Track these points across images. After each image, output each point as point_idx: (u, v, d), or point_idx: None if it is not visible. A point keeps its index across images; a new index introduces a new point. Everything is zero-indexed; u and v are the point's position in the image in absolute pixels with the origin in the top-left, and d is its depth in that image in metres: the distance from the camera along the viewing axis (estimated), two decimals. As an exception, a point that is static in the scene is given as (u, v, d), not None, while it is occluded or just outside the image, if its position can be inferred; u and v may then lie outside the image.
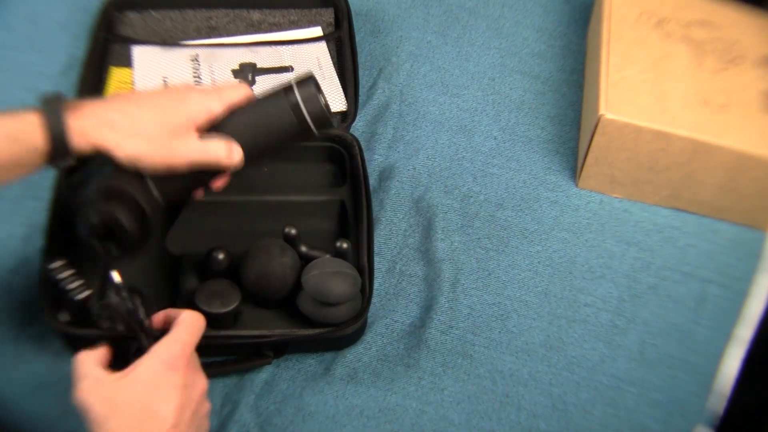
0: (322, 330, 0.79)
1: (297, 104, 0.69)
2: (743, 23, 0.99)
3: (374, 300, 0.83)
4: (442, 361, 0.82)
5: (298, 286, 0.79)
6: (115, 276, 0.67)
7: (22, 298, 0.83)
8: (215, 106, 0.68)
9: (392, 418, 0.79)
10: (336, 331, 0.78)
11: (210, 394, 0.78)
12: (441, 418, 0.79)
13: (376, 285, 0.85)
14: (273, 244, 0.79)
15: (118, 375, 0.61)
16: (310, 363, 0.82)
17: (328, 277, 0.77)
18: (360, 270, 0.81)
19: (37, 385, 0.78)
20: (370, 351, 0.83)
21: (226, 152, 0.68)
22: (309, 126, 0.70)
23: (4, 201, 0.90)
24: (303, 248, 0.81)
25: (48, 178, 0.90)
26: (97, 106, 0.65)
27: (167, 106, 0.67)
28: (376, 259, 0.85)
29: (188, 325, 0.66)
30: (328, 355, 0.82)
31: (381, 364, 0.82)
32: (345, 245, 0.80)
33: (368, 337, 0.83)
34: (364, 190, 0.87)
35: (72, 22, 1.05)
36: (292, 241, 0.81)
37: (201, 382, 0.65)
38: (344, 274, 0.78)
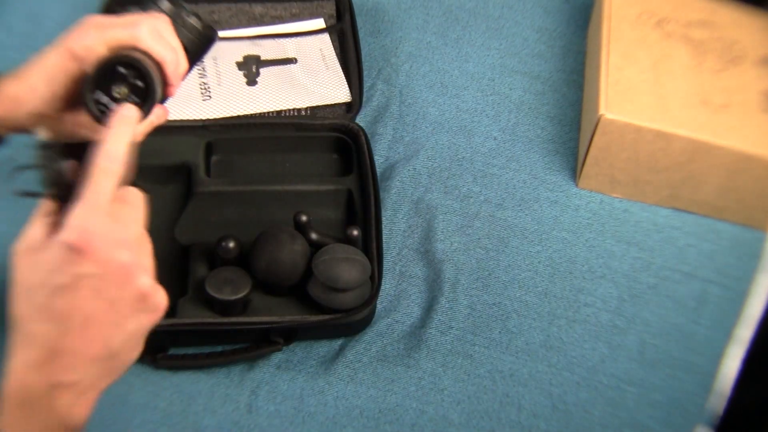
0: (331, 316, 0.80)
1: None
2: (743, 23, 0.99)
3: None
4: (442, 361, 0.82)
5: (308, 273, 0.80)
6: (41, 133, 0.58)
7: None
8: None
9: (392, 418, 0.79)
10: (345, 317, 0.80)
11: (210, 394, 0.79)
12: (441, 418, 0.79)
13: (376, 285, 0.85)
14: (283, 232, 0.80)
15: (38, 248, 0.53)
16: (311, 364, 0.82)
17: (338, 262, 0.78)
18: (369, 257, 0.82)
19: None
20: (370, 351, 0.83)
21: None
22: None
23: (5, 200, 0.90)
24: (313, 235, 0.82)
25: (48, 178, 0.91)
26: None
27: None
28: (376, 259, 0.86)
29: (101, 176, 0.54)
30: (329, 355, 0.82)
31: (381, 364, 0.82)
32: (356, 232, 0.81)
33: (368, 336, 0.83)
34: (371, 178, 0.88)
35: (72, 21, 1.05)
36: (302, 228, 0.82)
37: (118, 259, 0.52)
38: (354, 260, 0.79)
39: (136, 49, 0.60)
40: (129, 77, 0.58)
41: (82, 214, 0.52)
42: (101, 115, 0.58)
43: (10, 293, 0.54)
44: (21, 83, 0.62)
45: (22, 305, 0.53)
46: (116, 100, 0.58)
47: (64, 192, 0.56)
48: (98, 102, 0.58)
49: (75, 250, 0.52)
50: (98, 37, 0.60)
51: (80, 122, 0.63)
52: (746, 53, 0.96)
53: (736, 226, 0.94)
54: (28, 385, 0.53)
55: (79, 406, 0.55)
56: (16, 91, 0.61)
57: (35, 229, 0.54)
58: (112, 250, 0.52)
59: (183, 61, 0.65)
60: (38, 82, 0.61)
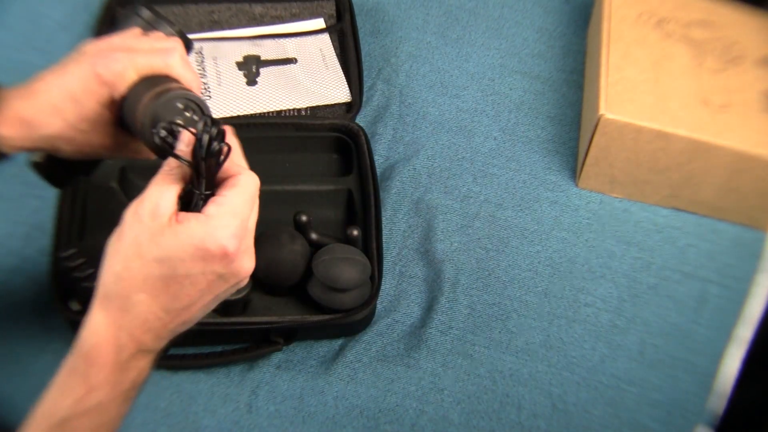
0: (331, 316, 0.80)
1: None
2: (743, 23, 0.99)
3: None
4: (442, 361, 0.82)
5: (308, 273, 0.80)
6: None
7: (23, 298, 0.83)
8: None
9: (392, 418, 0.79)
10: (345, 317, 0.80)
11: (210, 394, 0.79)
12: (441, 418, 0.79)
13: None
14: (283, 232, 0.80)
15: (167, 224, 0.53)
16: (311, 364, 0.82)
17: (338, 262, 0.78)
18: (369, 257, 0.82)
19: (38, 385, 0.78)
20: (370, 351, 0.83)
21: None
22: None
23: (5, 200, 0.90)
24: (313, 235, 0.82)
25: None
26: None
27: None
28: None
29: (249, 194, 0.56)
30: (329, 355, 0.82)
31: (381, 364, 0.82)
32: (356, 232, 0.81)
33: (368, 336, 0.83)
34: (371, 178, 0.88)
35: (72, 21, 1.05)
36: (302, 228, 0.82)
37: (245, 267, 0.56)
38: (354, 260, 0.79)
39: (168, 77, 0.60)
40: (186, 110, 0.58)
41: (232, 219, 0.54)
42: (160, 150, 0.58)
43: (114, 245, 0.54)
44: (37, 104, 0.60)
45: (131, 270, 0.54)
46: (173, 133, 0.58)
47: (205, 167, 0.55)
48: (157, 135, 0.58)
49: (220, 254, 0.54)
50: (128, 63, 0.59)
51: (101, 143, 0.63)
52: (746, 53, 0.96)
53: (736, 226, 0.94)
54: (120, 345, 0.55)
55: (148, 369, 0.58)
56: (33, 112, 0.60)
57: (167, 198, 0.54)
58: (243, 259, 0.56)
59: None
60: (64, 105, 0.60)
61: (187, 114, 0.58)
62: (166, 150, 0.58)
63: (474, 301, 0.87)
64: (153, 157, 0.62)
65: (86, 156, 0.64)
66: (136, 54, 0.60)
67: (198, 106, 0.59)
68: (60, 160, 0.65)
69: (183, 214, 0.54)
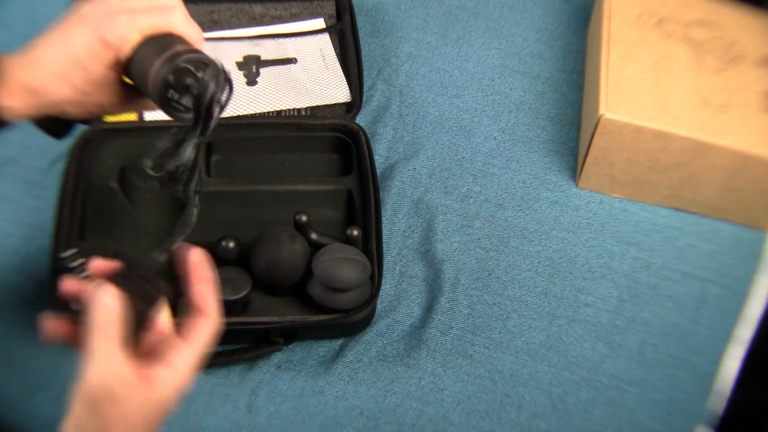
0: (331, 316, 0.80)
1: None
2: (743, 23, 0.99)
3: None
4: (442, 361, 0.82)
5: (308, 273, 0.80)
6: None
7: (24, 298, 0.83)
8: None
9: (392, 418, 0.79)
10: (346, 317, 0.79)
11: (210, 394, 0.79)
12: (441, 418, 0.79)
13: (376, 285, 0.85)
14: (283, 232, 0.80)
15: (138, 374, 0.55)
16: (311, 364, 0.82)
17: (338, 262, 0.78)
18: (369, 257, 0.82)
19: (37, 385, 0.78)
20: (370, 351, 0.83)
21: None
22: None
23: (5, 200, 0.90)
24: (313, 235, 0.82)
25: (49, 177, 0.91)
26: None
27: None
28: (376, 259, 0.86)
29: (206, 338, 0.59)
30: (329, 355, 0.82)
31: (381, 364, 0.82)
32: (356, 232, 0.81)
33: (368, 337, 0.83)
34: (371, 178, 0.88)
35: (72, 22, 1.05)
36: (302, 228, 0.82)
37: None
38: (354, 260, 0.79)
39: (171, 34, 0.60)
40: (197, 71, 0.58)
41: (191, 361, 0.58)
42: (175, 111, 0.59)
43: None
44: (42, 72, 0.59)
45: None
46: (184, 94, 0.58)
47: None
48: (171, 99, 0.58)
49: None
50: (131, 24, 0.59)
51: (108, 102, 0.63)
52: (746, 53, 0.96)
53: (736, 226, 0.94)
54: None
55: None
56: (38, 81, 0.59)
57: (121, 361, 0.55)
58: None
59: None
60: (70, 71, 0.59)
61: (199, 74, 0.58)
62: (179, 111, 0.59)
63: (474, 301, 0.87)
64: (157, 108, 0.62)
65: (94, 116, 0.64)
66: (137, 14, 0.60)
67: (207, 64, 0.59)
68: None
69: (151, 371, 0.56)
